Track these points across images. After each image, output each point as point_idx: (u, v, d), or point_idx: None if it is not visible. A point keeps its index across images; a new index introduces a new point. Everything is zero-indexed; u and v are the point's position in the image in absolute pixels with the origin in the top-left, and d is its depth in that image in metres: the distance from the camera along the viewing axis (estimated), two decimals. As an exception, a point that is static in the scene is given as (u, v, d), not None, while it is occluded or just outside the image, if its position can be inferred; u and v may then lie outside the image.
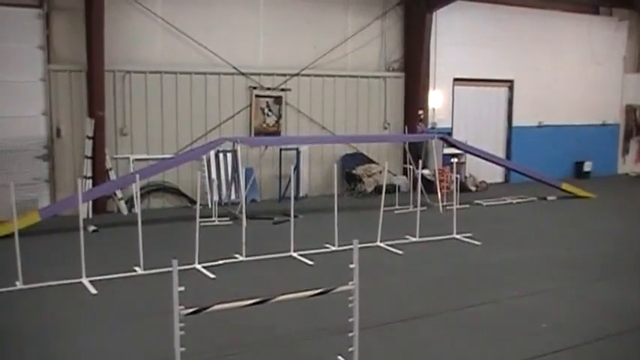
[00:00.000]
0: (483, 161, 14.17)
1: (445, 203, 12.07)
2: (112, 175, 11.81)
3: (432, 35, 14.78)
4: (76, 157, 11.60)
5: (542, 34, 16.56)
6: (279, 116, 13.53)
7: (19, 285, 7.01)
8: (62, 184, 11.52)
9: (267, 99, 13.39)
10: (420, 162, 10.78)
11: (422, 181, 11.89)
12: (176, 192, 12.60)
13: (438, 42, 15.02)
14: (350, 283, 4.68)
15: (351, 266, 4.67)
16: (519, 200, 13.63)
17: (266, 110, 13.39)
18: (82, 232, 7.31)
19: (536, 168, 14.48)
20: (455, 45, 15.12)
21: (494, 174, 16.18)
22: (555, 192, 14.04)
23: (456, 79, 15.57)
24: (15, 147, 10.94)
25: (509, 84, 16.60)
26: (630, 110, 18.75)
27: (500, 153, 16.30)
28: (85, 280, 7.23)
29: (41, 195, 11.29)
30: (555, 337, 5.73)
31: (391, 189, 12.60)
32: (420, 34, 14.58)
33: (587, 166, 17.67)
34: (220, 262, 8.14)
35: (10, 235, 7.21)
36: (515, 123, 16.74)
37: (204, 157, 12.35)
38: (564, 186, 14.15)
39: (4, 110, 10.80)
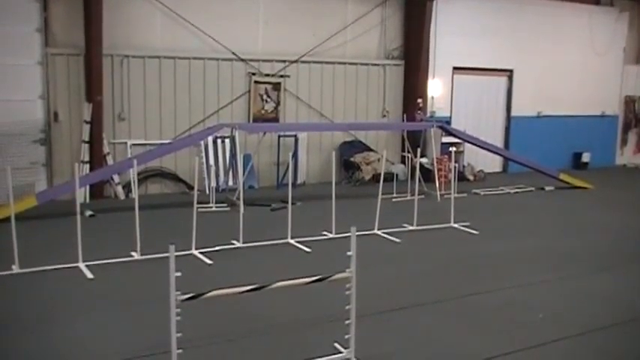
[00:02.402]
0: (482, 150, 14.15)
1: (443, 192, 12.08)
2: (110, 160, 11.77)
3: (432, 24, 14.69)
4: (73, 141, 11.56)
5: (543, 24, 16.47)
6: (278, 103, 13.48)
7: (15, 269, 7.00)
8: (59, 169, 11.48)
9: (266, 85, 13.32)
10: (419, 150, 10.79)
11: (420, 170, 11.93)
12: (174, 178, 12.57)
13: (438, 30, 14.93)
14: (347, 270, 4.68)
15: (349, 254, 4.66)
16: (517, 190, 13.63)
17: (265, 97, 13.33)
18: (78, 216, 7.29)
19: (534, 158, 14.49)
20: (455, 34, 15.03)
21: (492, 163, 16.19)
22: (553, 182, 14.05)
23: (455, 68, 15.51)
24: (12, 131, 10.84)
25: (509, 74, 16.53)
26: (629, 102, 18.72)
27: (499, 142, 16.26)
28: (81, 265, 7.22)
29: (38, 179, 11.24)
30: (552, 327, 5.74)
31: (389, 177, 12.61)
32: (421, 23, 14.50)
33: (586, 157, 17.66)
34: (217, 248, 8.13)
35: (7, 219, 7.18)
36: (514, 113, 16.69)
37: (202, 142, 12.32)
38: (562, 176, 14.15)
39: (1, 93, 10.70)
